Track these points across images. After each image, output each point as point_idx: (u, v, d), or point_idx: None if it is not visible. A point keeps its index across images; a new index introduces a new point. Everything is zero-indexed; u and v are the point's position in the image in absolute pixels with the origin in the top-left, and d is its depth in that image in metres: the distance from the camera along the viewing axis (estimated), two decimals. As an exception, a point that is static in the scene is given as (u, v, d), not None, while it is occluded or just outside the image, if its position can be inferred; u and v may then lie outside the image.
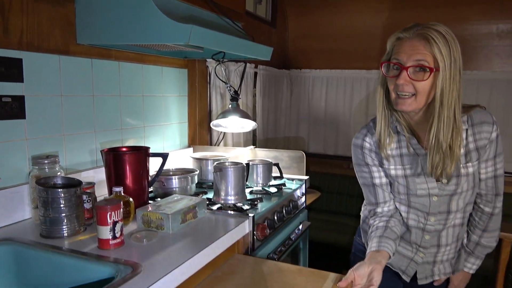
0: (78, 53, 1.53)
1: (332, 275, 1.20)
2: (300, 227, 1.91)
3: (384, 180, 1.26)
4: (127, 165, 1.43)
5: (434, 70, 1.05)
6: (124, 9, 1.38)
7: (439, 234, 1.25)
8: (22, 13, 1.31)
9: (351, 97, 3.39)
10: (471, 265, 1.32)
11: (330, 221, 3.11)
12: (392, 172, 1.22)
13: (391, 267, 1.33)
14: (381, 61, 1.13)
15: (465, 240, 1.33)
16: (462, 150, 1.14)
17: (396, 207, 1.28)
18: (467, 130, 1.15)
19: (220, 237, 1.25)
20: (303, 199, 2.01)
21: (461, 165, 1.15)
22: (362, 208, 1.42)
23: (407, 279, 1.31)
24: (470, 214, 1.30)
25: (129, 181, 1.43)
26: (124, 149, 1.54)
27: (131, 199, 1.33)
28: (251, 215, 1.46)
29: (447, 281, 1.36)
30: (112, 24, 1.41)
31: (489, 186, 1.23)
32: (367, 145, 1.25)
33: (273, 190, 1.85)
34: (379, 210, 1.28)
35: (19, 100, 1.33)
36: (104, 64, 1.66)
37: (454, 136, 1.09)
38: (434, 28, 1.05)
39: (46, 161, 1.32)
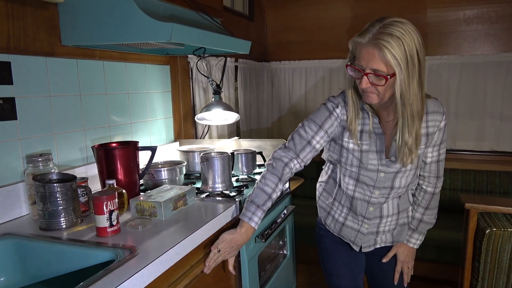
0: (64, 54, 1.59)
1: None
2: (285, 211, 2.02)
3: (317, 146, 1.34)
4: (118, 159, 1.50)
5: (389, 77, 1.11)
6: (106, 11, 1.44)
7: (381, 206, 1.40)
8: (8, 18, 1.37)
9: (329, 86, 3.50)
10: (415, 241, 1.48)
11: (313, 206, 3.22)
12: (350, 145, 1.32)
13: (343, 238, 1.51)
14: (346, 64, 1.21)
15: (409, 219, 1.48)
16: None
17: (299, 168, 1.37)
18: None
19: (210, 221, 1.34)
20: (286, 184, 2.11)
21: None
22: (317, 185, 1.57)
23: (357, 249, 1.48)
24: (413, 195, 1.46)
25: (120, 174, 1.51)
26: (114, 144, 1.61)
27: (124, 191, 1.41)
28: (237, 200, 1.55)
29: (395, 257, 1.51)
30: (95, 26, 1.47)
31: (432, 169, 1.39)
32: (335, 114, 1.33)
33: (258, 177, 1.94)
34: (293, 162, 1.34)
35: (10, 102, 1.38)
36: (89, 64, 1.72)
37: (418, 127, 1.19)
38: (389, 32, 1.08)
39: (40, 159, 1.38)
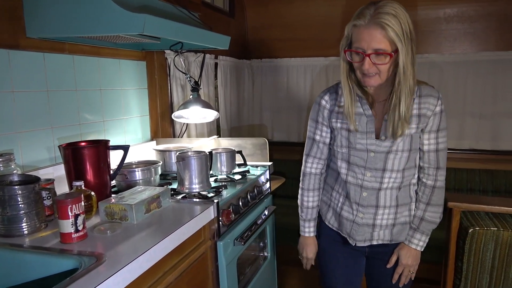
0: (29, 47, 1.48)
1: None
2: (266, 211, 1.96)
3: (322, 139, 1.42)
4: (86, 159, 1.41)
5: (393, 53, 1.16)
6: (74, 1, 1.35)
7: (377, 194, 1.33)
8: (-36, 6, 1.26)
9: (311, 85, 3.46)
10: (418, 241, 1.35)
11: (295, 206, 3.17)
12: (338, 125, 1.35)
13: (340, 232, 1.44)
14: (344, 49, 1.24)
15: (411, 218, 1.38)
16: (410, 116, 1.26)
17: (321, 168, 1.47)
18: (414, 99, 1.27)
19: (185, 224, 1.27)
20: (267, 184, 2.05)
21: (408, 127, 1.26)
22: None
23: (352, 243, 1.41)
24: (416, 191, 1.38)
25: (90, 175, 1.42)
26: (83, 143, 1.52)
27: (92, 193, 1.32)
28: (215, 201, 1.48)
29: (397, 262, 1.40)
30: (62, 16, 1.37)
31: (431, 159, 1.33)
32: (323, 102, 1.39)
33: (237, 177, 1.88)
34: (309, 162, 1.47)
35: (-33, 98, 1.28)
36: (57, 58, 1.62)
37: (409, 103, 1.23)
38: (385, 11, 1.13)
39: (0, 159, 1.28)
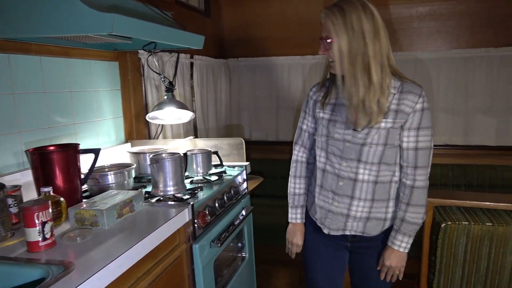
0: (-8, 48, 1.42)
1: None
2: (243, 212, 1.95)
3: (308, 129, 1.51)
4: (55, 164, 1.36)
5: (331, 40, 1.26)
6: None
7: (353, 185, 1.35)
8: None
9: (288, 83, 3.46)
10: (400, 243, 1.34)
11: (274, 205, 3.18)
12: (320, 114, 1.42)
13: (316, 221, 1.48)
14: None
15: (387, 215, 1.38)
16: (380, 109, 1.28)
17: (306, 156, 1.54)
18: (394, 94, 1.30)
19: (159, 227, 1.25)
20: (244, 185, 2.04)
21: (377, 120, 1.28)
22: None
23: (326, 231, 1.44)
24: (398, 193, 1.38)
25: (59, 181, 1.37)
26: (51, 147, 1.47)
27: (61, 199, 1.27)
28: (190, 203, 1.46)
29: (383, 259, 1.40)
30: (27, 16, 1.32)
31: (410, 157, 1.31)
32: (311, 93, 1.49)
33: (213, 178, 1.86)
34: (296, 149, 1.55)
35: None
36: (23, 60, 1.56)
37: (366, 93, 1.25)
38: (339, 4, 1.26)
39: (-38, 166, 1.23)
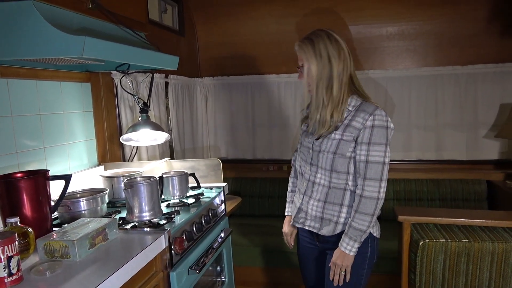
0: (-46, 71, 1.36)
1: None
2: (222, 234, 1.91)
3: (300, 140, 1.69)
4: (23, 192, 1.30)
5: (302, 67, 1.48)
6: (6, 22, 1.26)
7: (312, 186, 1.55)
8: None
9: (264, 101, 3.47)
10: (346, 245, 1.46)
11: (253, 225, 3.14)
12: (302, 127, 1.66)
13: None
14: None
15: (338, 219, 1.51)
16: (332, 121, 1.47)
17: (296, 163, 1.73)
18: (350, 111, 1.47)
19: (134, 257, 1.20)
20: (222, 206, 2.01)
21: (329, 130, 1.47)
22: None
23: (295, 224, 1.64)
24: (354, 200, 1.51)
25: (27, 210, 1.30)
26: (19, 174, 1.40)
27: (29, 229, 1.21)
28: (167, 229, 1.42)
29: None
30: (-7, 39, 1.27)
31: (360, 169, 1.45)
32: (304, 111, 1.69)
33: (191, 201, 1.82)
34: (294, 156, 1.76)
35: None
36: (-12, 83, 1.50)
37: (323, 107, 1.47)
38: (309, 36, 1.48)
39: None
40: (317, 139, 1.52)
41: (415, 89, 3.18)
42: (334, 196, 1.50)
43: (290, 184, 1.79)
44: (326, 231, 1.53)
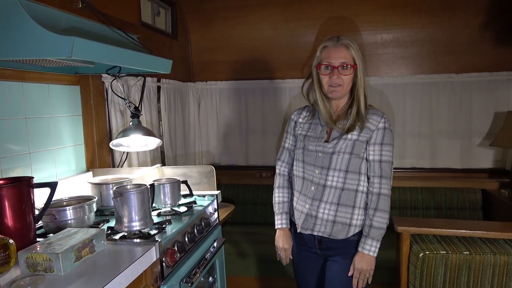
0: None
1: None
2: (215, 244, 1.84)
3: (289, 146, 1.73)
4: (4, 200, 1.22)
5: (356, 66, 1.49)
6: (-9, 21, 1.19)
7: (323, 190, 1.54)
8: None
9: (258, 107, 3.42)
10: (370, 247, 1.49)
11: (246, 233, 3.08)
12: (299, 131, 1.66)
13: (294, 221, 1.66)
14: (316, 64, 1.55)
15: (352, 221, 1.53)
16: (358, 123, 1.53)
17: (288, 170, 1.74)
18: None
19: (123, 271, 1.13)
20: (215, 215, 1.94)
21: (344, 131, 1.52)
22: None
23: (299, 230, 1.62)
24: (366, 202, 1.55)
25: (8, 220, 1.22)
26: (1, 181, 1.32)
27: (10, 241, 1.13)
28: (158, 240, 1.35)
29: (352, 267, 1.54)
30: (-23, 38, 1.20)
31: (375, 169, 1.52)
32: (292, 116, 1.72)
33: (183, 209, 1.75)
34: (278, 165, 1.75)
35: None
36: (-30, 84, 1.42)
37: (354, 111, 1.51)
38: (348, 39, 1.52)
39: None
40: (326, 141, 1.54)
41: (410, 96, 3.17)
42: (346, 198, 1.53)
43: (279, 195, 1.72)
44: (340, 234, 1.54)
